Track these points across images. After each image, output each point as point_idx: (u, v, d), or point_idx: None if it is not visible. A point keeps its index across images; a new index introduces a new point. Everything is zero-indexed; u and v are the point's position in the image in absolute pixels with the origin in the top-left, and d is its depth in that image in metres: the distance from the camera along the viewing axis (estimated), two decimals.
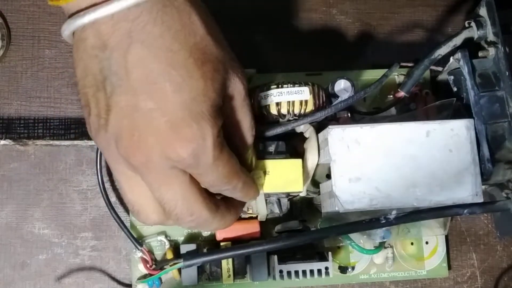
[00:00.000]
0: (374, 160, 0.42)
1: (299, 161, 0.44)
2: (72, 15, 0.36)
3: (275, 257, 0.45)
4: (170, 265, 0.45)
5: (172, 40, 0.35)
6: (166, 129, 0.34)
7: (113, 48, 0.34)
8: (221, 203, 0.41)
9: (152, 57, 0.34)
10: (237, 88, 0.39)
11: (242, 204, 0.44)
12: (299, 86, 0.45)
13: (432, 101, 0.49)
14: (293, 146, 0.46)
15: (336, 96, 0.47)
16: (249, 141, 0.41)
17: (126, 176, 0.38)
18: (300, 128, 0.46)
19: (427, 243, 0.51)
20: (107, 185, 0.50)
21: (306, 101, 0.45)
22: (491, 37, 0.45)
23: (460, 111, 0.44)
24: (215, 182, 0.38)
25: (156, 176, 0.36)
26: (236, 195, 0.41)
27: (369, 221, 0.42)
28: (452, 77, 0.46)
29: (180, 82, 0.34)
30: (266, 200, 0.45)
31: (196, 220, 0.39)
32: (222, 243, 0.47)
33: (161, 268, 0.45)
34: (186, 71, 0.35)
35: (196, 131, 0.35)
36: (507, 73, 0.43)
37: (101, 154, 0.47)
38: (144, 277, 0.46)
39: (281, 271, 0.45)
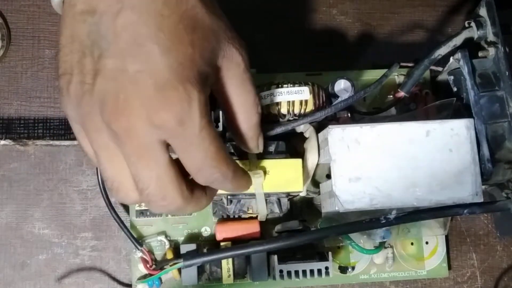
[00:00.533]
0: (374, 160, 0.42)
1: (299, 161, 0.44)
2: None
3: (275, 257, 0.45)
4: (170, 265, 0.45)
5: (163, 6, 0.34)
6: (152, 91, 0.33)
7: (102, 12, 0.34)
8: (196, 188, 0.38)
9: (142, 21, 0.34)
10: (234, 59, 0.38)
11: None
12: (299, 86, 0.45)
13: (432, 101, 0.49)
14: (293, 146, 0.46)
15: (336, 96, 0.47)
16: (254, 119, 0.40)
17: (107, 148, 0.35)
18: (300, 128, 0.46)
19: (427, 243, 0.51)
20: None
21: (306, 101, 0.45)
22: (491, 37, 0.45)
23: (460, 111, 0.44)
24: (202, 163, 0.35)
25: (136, 147, 0.34)
26: (227, 187, 0.39)
27: (369, 221, 0.42)
28: (452, 77, 0.46)
29: (169, 46, 0.34)
30: (266, 200, 0.45)
31: (167, 207, 0.36)
32: (222, 243, 0.47)
33: (161, 268, 0.45)
34: (176, 36, 0.34)
35: (181, 94, 0.33)
36: (507, 73, 0.43)
37: None
38: (144, 277, 0.46)
39: (281, 271, 0.45)
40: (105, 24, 0.34)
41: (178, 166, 0.36)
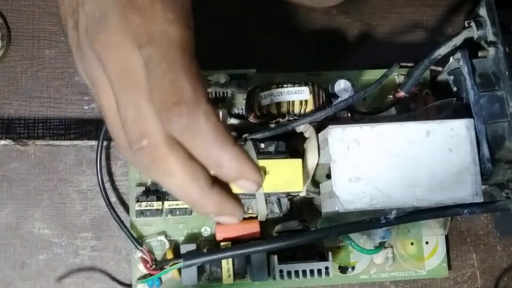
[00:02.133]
0: (374, 160, 0.42)
1: (299, 161, 0.44)
2: None
3: (275, 257, 0.45)
4: (170, 265, 0.45)
5: None
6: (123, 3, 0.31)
7: None
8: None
9: None
10: None
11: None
12: (299, 86, 0.45)
13: (432, 101, 0.49)
14: (293, 146, 0.46)
15: (336, 96, 0.47)
16: None
17: (100, 81, 0.33)
18: (300, 128, 0.46)
19: (427, 243, 0.51)
20: (107, 185, 0.50)
21: (306, 101, 0.45)
22: (491, 37, 0.45)
23: (460, 111, 0.44)
24: (169, 73, 0.30)
25: (115, 69, 0.31)
26: (232, 173, 0.32)
27: (369, 221, 0.42)
28: (452, 77, 0.46)
29: None
30: (266, 200, 0.45)
31: (150, 153, 0.31)
32: (222, 243, 0.47)
33: (161, 268, 0.45)
34: None
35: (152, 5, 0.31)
36: (506, 73, 0.44)
37: (101, 153, 0.47)
38: (144, 277, 0.46)
39: (281, 271, 0.45)
40: None
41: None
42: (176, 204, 0.47)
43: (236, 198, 0.34)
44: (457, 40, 0.45)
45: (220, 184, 0.33)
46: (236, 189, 0.34)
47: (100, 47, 0.31)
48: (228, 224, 0.34)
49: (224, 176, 0.32)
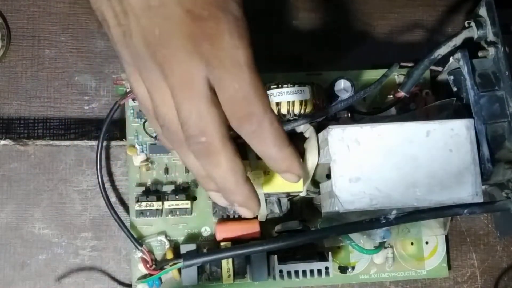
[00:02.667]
0: (374, 160, 0.42)
1: None
2: None
3: (275, 257, 0.45)
4: (170, 265, 0.45)
5: None
6: (182, 19, 0.35)
7: None
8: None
9: None
10: None
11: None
12: (299, 86, 0.45)
13: (432, 101, 0.49)
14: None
15: (336, 96, 0.47)
16: None
17: (158, 86, 0.37)
18: (300, 128, 0.46)
19: (427, 243, 0.51)
20: (107, 185, 0.50)
21: (306, 101, 0.45)
22: (491, 37, 0.45)
23: (460, 111, 0.44)
24: (241, 90, 0.35)
25: (178, 78, 0.36)
26: (283, 168, 0.39)
27: (369, 221, 0.42)
28: (452, 77, 0.46)
29: None
30: (266, 200, 0.45)
31: (208, 148, 0.36)
32: (222, 243, 0.47)
33: (161, 268, 0.45)
34: None
35: (212, 17, 0.35)
36: (506, 72, 0.43)
37: (101, 153, 0.47)
38: (144, 277, 0.46)
39: (281, 271, 0.45)
40: None
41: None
42: (176, 204, 0.47)
43: (258, 197, 0.40)
44: (457, 40, 0.45)
45: (250, 182, 0.40)
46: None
47: (163, 60, 0.35)
48: (243, 215, 0.41)
49: (276, 169, 0.40)
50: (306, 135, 0.46)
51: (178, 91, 0.36)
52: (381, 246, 0.49)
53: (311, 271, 0.46)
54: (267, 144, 0.38)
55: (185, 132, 0.37)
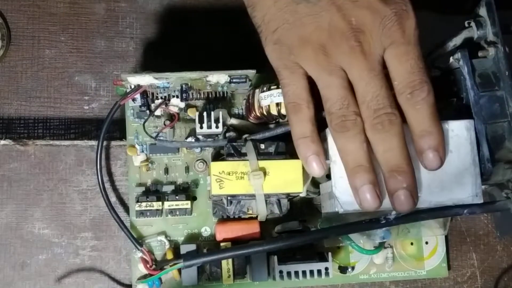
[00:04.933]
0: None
1: (299, 162, 0.44)
2: None
3: (275, 257, 0.45)
4: (170, 265, 0.45)
5: None
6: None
7: None
8: None
9: None
10: None
11: None
12: None
13: None
14: (293, 147, 0.46)
15: None
16: None
17: (339, 74, 0.40)
18: None
19: (427, 243, 0.51)
20: (107, 185, 0.50)
21: None
22: (490, 37, 0.45)
23: (460, 111, 0.44)
24: (419, 60, 0.40)
25: (367, 61, 0.40)
26: (432, 143, 0.40)
27: (369, 221, 0.42)
28: (452, 77, 0.46)
29: None
30: (266, 200, 0.45)
31: (394, 121, 0.39)
32: (222, 244, 0.47)
33: (161, 268, 0.45)
34: None
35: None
36: (506, 73, 0.43)
37: (101, 153, 0.47)
38: (144, 277, 0.46)
39: (281, 272, 0.45)
40: None
41: None
42: (176, 204, 0.47)
43: None
44: (457, 40, 0.45)
45: None
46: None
47: (354, 44, 0.39)
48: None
49: (422, 143, 0.40)
50: None
51: (365, 75, 0.39)
52: (381, 246, 0.49)
53: (311, 272, 0.46)
54: (428, 114, 0.40)
55: (369, 108, 0.39)
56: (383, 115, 0.39)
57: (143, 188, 0.49)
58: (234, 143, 0.45)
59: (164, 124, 0.49)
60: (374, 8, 0.40)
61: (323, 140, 0.43)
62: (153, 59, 0.52)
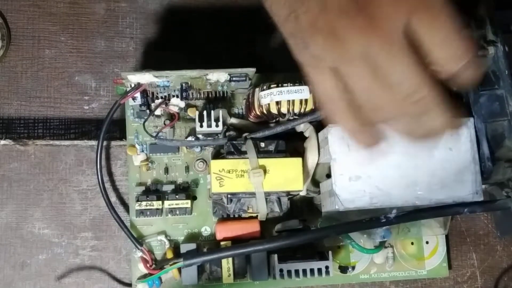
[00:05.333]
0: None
1: (299, 160, 0.44)
2: None
3: (275, 256, 0.45)
4: (170, 265, 0.45)
5: None
6: None
7: None
8: None
9: None
10: None
11: None
12: (299, 85, 0.45)
13: None
14: (293, 145, 0.46)
15: None
16: None
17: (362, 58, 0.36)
18: (300, 127, 0.46)
19: (427, 243, 0.51)
20: (107, 185, 0.50)
21: (306, 100, 0.45)
22: (490, 36, 0.45)
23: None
24: (447, 34, 0.35)
25: (384, 34, 0.35)
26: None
27: (369, 220, 0.42)
28: None
29: None
30: (266, 199, 0.45)
31: (424, 100, 0.35)
32: (222, 243, 0.47)
33: (161, 268, 0.45)
34: None
35: None
36: (506, 71, 0.43)
37: (101, 153, 0.47)
38: (144, 276, 0.46)
39: (281, 271, 0.45)
40: None
41: None
42: (176, 204, 0.47)
43: None
44: None
45: None
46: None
47: (369, 17, 0.35)
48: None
49: (453, 56, 0.36)
50: (306, 134, 0.46)
51: (385, 53, 0.35)
52: (381, 245, 0.49)
53: (311, 271, 0.46)
54: (449, 27, 0.35)
55: (401, 92, 0.35)
56: (415, 100, 0.36)
57: (143, 188, 0.49)
58: (234, 141, 0.45)
59: (164, 124, 0.49)
60: None
61: (323, 138, 0.43)
62: (153, 59, 0.52)
